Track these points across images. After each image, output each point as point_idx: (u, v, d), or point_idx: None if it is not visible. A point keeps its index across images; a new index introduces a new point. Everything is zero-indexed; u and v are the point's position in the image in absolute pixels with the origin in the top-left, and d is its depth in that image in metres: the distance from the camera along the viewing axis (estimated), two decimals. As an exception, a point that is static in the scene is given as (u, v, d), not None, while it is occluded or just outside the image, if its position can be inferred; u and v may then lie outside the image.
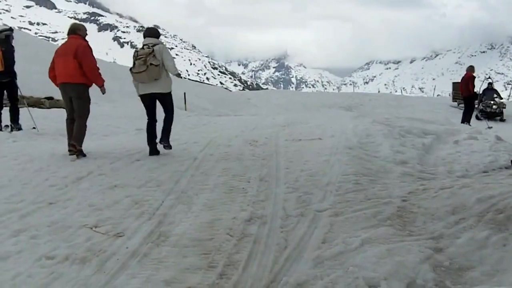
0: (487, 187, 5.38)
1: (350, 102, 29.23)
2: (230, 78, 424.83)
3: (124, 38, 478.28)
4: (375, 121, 9.87)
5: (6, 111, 10.95)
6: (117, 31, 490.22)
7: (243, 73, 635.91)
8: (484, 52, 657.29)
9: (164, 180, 6.23)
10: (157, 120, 7.95)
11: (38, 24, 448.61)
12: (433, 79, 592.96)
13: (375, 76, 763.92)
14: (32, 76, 16.34)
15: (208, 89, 39.19)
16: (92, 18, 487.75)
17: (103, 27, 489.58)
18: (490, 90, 23.03)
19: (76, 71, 7.59)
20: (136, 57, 7.56)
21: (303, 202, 5.19)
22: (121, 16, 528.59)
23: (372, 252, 3.74)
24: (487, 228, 4.12)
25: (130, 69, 7.68)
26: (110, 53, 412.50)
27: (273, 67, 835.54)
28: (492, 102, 21.46)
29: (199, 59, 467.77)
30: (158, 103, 7.91)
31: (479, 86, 23.49)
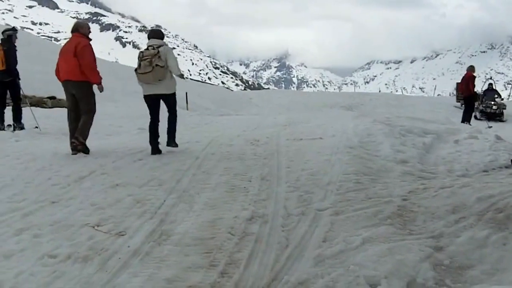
0: (487, 186, 5.39)
1: (351, 102, 29.22)
2: (232, 77, 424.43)
3: (126, 38, 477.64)
4: (376, 121, 9.88)
5: (8, 111, 11.00)
6: (119, 31, 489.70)
7: (244, 73, 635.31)
8: (484, 52, 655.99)
9: (166, 179, 6.24)
10: (160, 120, 8.00)
11: (40, 24, 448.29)
12: (434, 79, 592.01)
13: (376, 76, 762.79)
14: (35, 75, 16.40)
15: (210, 88, 39.21)
16: (94, 18, 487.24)
17: (105, 27, 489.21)
18: (491, 90, 22.98)
19: (77, 69, 7.67)
20: (141, 58, 7.63)
21: (304, 201, 5.21)
22: (123, 16, 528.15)
23: (373, 250, 3.76)
24: (487, 227, 4.13)
25: (135, 69, 7.72)
26: (112, 53, 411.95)
27: (275, 67, 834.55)
28: (492, 102, 21.38)
29: (201, 59, 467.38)
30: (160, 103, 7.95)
31: (481, 87, 23.48)
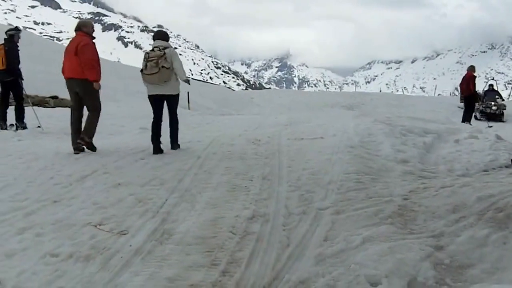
0: (487, 186, 5.39)
1: (352, 102, 29.18)
2: (233, 77, 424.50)
3: (128, 38, 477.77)
4: (377, 120, 9.88)
5: (11, 110, 11.02)
6: (121, 31, 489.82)
7: (246, 73, 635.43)
8: (484, 52, 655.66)
9: (168, 178, 6.26)
10: (163, 120, 8.07)
11: (43, 24, 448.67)
12: (434, 78, 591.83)
13: (376, 76, 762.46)
14: (37, 75, 16.44)
15: (211, 88, 39.21)
16: (97, 18, 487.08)
17: (107, 27, 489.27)
18: (492, 91, 22.91)
19: (79, 67, 7.72)
20: (147, 59, 7.69)
21: (305, 201, 5.22)
22: (125, 16, 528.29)
23: (373, 250, 3.77)
24: (487, 226, 4.13)
25: (141, 70, 7.78)
26: (114, 52, 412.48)
27: (276, 67, 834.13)
28: (492, 103, 21.31)
29: (203, 59, 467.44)
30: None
31: (483, 87, 23.44)
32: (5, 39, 10.75)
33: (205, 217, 4.83)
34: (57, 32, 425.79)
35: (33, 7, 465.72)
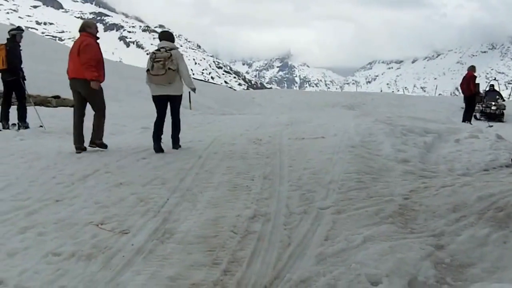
0: (487, 185, 5.40)
1: (353, 101, 29.19)
2: (235, 77, 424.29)
3: (130, 38, 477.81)
4: (377, 120, 9.88)
5: (14, 110, 11.05)
6: (123, 30, 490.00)
7: (247, 73, 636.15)
8: (485, 52, 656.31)
9: (169, 178, 6.28)
10: (165, 118, 8.16)
11: (45, 23, 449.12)
12: (435, 78, 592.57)
13: (377, 76, 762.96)
14: (39, 75, 16.46)
15: (213, 88, 39.18)
16: (98, 18, 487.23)
17: (109, 27, 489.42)
18: (493, 91, 22.88)
19: (81, 67, 7.78)
20: (153, 59, 7.74)
21: (306, 200, 5.23)
22: (127, 16, 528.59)
23: (374, 249, 3.77)
24: (487, 225, 4.14)
25: (147, 70, 7.83)
26: (116, 52, 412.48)
27: (277, 67, 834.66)
28: (492, 103, 21.28)
29: (204, 59, 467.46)
30: None
31: (485, 87, 23.41)
32: (7, 38, 10.79)
33: (207, 216, 4.84)
34: (59, 32, 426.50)
35: (35, 7, 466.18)
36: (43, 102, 16.32)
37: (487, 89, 23.16)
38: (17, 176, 6.34)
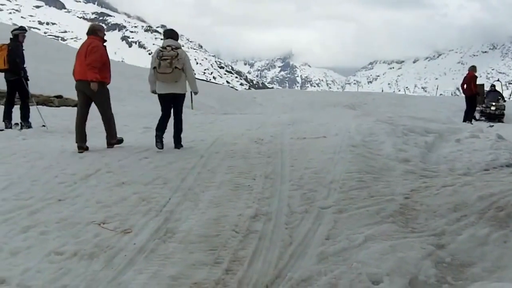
0: (488, 185, 5.41)
1: (354, 101, 29.14)
2: (236, 77, 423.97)
3: (132, 38, 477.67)
4: (379, 120, 9.90)
5: (16, 109, 11.08)
6: (125, 31, 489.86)
7: (249, 72, 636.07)
8: (485, 52, 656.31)
9: (171, 177, 6.29)
10: (170, 115, 8.27)
11: (47, 23, 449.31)
12: (436, 78, 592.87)
13: (378, 76, 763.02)
14: (41, 74, 16.47)
15: (214, 88, 39.18)
16: (101, 18, 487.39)
17: (111, 27, 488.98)
18: (494, 92, 22.80)
19: (86, 68, 7.85)
20: (160, 57, 7.81)
21: (308, 199, 5.24)
22: (129, 16, 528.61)
23: (375, 248, 3.79)
24: (488, 225, 4.16)
25: (154, 67, 7.89)
26: (119, 52, 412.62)
27: (279, 67, 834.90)
28: (493, 103, 21.19)
29: (206, 59, 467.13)
30: None
31: (488, 87, 23.34)
32: (10, 38, 10.82)
33: (208, 215, 4.85)
34: (62, 32, 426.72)
35: (37, 7, 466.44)
36: (45, 101, 16.34)
37: (489, 89, 23.09)
38: (20, 175, 6.35)
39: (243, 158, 7.44)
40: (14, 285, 3.47)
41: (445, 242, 3.97)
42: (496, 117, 20.75)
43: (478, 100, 18.91)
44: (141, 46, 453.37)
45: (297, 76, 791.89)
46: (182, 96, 8.22)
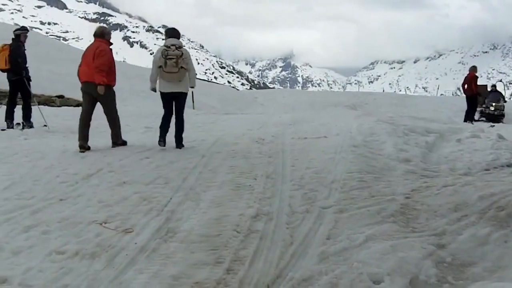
0: (489, 185, 5.42)
1: (355, 101, 29.11)
2: (238, 77, 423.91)
3: (134, 38, 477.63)
4: (380, 120, 9.91)
5: (18, 109, 11.10)
6: (127, 31, 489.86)
7: (250, 72, 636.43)
8: (486, 52, 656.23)
9: (172, 177, 6.30)
10: (173, 113, 8.32)
11: (49, 23, 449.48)
12: (437, 78, 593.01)
13: (379, 76, 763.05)
14: (43, 74, 16.47)
15: (216, 88, 39.19)
16: (102, 18, 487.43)
17: (112, 27, 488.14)
18: (495, 92, 22.71)
19: (94, 71, 7.93)
20: (166, 56, 7.84)
21: (309, 199, 5.25)
22: (130, 16, 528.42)
23: (376, 248, 3.80)
24: (488, 225, 4.16)
25: (160, 66, 7.93)
26: (120, 52, 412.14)
27: (280, 67, 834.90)
28: (493, 103, 21.10)
29: (207, 59, 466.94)
30: None
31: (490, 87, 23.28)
32: (12, 38, 10.84)
33: (210, 215, 4.86)
34: (63, 32, 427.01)
35: (39, 7, 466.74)
36: (47, 101, 16.36)
37: (490, 89, 23.00)
38: (22, 175, 6.36)
39: (244, 158, 7.45)
40: (16, 284, 3.47)
41: (445, 242, 3.98)
42: (496, 117, 20.64)
43: (479, 100, 18.88)
44: (142, 46, 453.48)
45: (298, 76, 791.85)
46: (185, 94, 8.27)
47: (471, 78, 17.69)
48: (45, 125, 11.00)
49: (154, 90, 8.22)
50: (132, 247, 4.10)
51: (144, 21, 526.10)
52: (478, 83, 18.36)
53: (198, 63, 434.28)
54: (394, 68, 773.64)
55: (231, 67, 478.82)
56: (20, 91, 11.00)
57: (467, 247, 3.85)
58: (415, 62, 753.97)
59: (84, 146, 7.95)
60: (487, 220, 4.27)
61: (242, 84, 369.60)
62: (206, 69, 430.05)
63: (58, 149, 8.04)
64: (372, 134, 8.54)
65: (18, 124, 11.03)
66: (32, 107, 11.20)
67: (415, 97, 36.28)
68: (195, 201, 5.35)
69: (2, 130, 10.45)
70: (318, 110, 23.35)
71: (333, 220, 4.56)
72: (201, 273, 3.64)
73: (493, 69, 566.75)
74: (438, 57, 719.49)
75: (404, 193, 5.37)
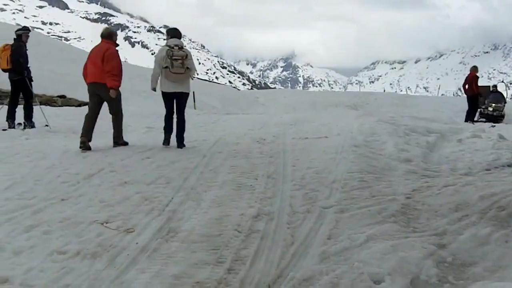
0: (489, 185, 5.42)
1: (356, 101, 29.09)
2: (239, 77, 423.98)
3: (135, 38, 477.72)
4: (380, 120, 9.92)
5: (20, 109, 11.10)
6: (128, 31, 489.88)
7: (251, 73, 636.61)
8: (487, 52, 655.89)
9: (174, 177, 6.31)
10: (174, 112, 8.35)
11: (50, 24, 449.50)
12: (438, 78, 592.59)
13: (380, 76, 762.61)
14: (45, 74, 16.47)
15: (217, 88, 39.19)
16: (104, 18, 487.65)
17: (114, 27, 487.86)
18: (496, 92, 22.63)
19: (104, 73, 7.99)
20: (171, 56, 7.88)
21: (310, 199, 5.26)
22: (131, 16, 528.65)
23: (377, 248, 3.80)
24: (489, 224, 4.16)
25: (166, 67, 7.93)
26: (122, 52, 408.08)
27: (281, 67, 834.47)
28: (493, 104, 21.02)
29: (208, 59, 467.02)
30: None
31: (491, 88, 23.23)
32: (14, 38, 10.85)
33: (211, 215, 4.87)
34: (65, 32, 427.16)
35: (41, 7, 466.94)
36: (48, 101, 16.37)
37: (491, 90, 22.94)
38: (23, 175, 6.37)
39: (245, 158, 7.46)
40: (17, 284, 3.48)
41: (446, 241, 3.98)
42: (495, 118, 20.56)
43: (480, 101, 18.86)
44: (144, 46, 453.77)
45: (299, 76, 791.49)
46: (186, 95, 8.31)
47: (472, 78, 17.68)
48: (46, 125, 11.00)
49: (154, 89, 8.23)
50: (134, 247, 4.11)
51: (146, 21, 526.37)
52: (480, 84, 18.34)
53: (200, 63, 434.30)
54: (395, 68, 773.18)
55: (233, 67, 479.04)
56: (22, 91, 11.01)
57: (468, 247, 3.85)
58: (416, 62, 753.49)
59: (85, 143, 7.95)
60: (488, 220, 4.27)
61: (243, 84, 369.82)
62: (208, 69, 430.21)
63: (60, 149, 8.05)
64: (373, 134, 8.55)
65: (19, 124, 11.04)
66: (33, 107, 11.21)
67: (416, 97, 36.28)
68: (196, 201, 5.36)
69: (4, 130, 10.46)
70: (319, 110, 23.34)
71: (334, 220, 4.57)
72: (202, 272, 3.64)
73: (494, 69, 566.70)
74: (439, 57, 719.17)
75: (405, 193, 5.37)
